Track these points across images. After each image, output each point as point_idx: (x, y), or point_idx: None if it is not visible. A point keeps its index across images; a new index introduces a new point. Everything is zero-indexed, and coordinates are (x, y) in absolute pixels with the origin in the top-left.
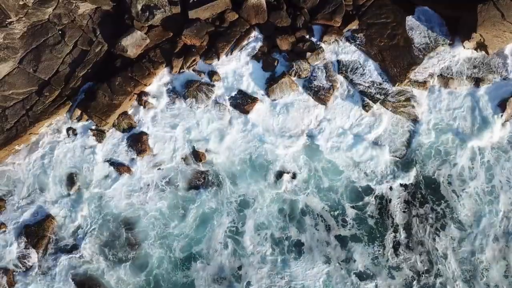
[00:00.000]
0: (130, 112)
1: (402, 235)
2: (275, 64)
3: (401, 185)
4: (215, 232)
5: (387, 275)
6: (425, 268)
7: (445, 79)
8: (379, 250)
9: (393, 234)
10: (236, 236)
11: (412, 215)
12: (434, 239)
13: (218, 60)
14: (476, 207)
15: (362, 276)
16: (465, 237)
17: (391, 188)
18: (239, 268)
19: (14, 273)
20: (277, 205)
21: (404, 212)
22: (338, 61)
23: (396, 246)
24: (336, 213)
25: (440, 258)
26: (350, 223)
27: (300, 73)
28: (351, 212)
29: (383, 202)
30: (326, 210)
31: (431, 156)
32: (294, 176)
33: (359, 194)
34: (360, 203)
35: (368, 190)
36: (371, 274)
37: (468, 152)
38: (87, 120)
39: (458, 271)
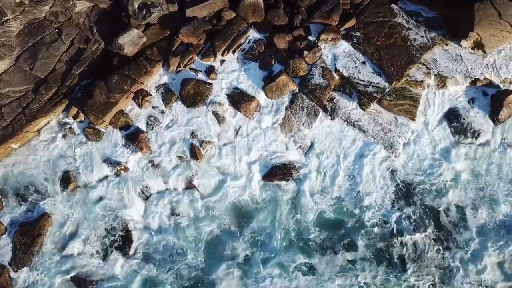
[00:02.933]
0: (126, 110)
1: (409, 251)
2: (272, 62)
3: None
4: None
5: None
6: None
7: (442, 78)
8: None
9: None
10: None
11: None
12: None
13: (215, 58)
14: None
15: None
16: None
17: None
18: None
19: (10, 271)
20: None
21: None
22: (335, 60)
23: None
24: (346, 241)
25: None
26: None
27: (297, 71)
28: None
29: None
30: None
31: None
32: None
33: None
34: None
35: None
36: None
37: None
38: (83, 119)
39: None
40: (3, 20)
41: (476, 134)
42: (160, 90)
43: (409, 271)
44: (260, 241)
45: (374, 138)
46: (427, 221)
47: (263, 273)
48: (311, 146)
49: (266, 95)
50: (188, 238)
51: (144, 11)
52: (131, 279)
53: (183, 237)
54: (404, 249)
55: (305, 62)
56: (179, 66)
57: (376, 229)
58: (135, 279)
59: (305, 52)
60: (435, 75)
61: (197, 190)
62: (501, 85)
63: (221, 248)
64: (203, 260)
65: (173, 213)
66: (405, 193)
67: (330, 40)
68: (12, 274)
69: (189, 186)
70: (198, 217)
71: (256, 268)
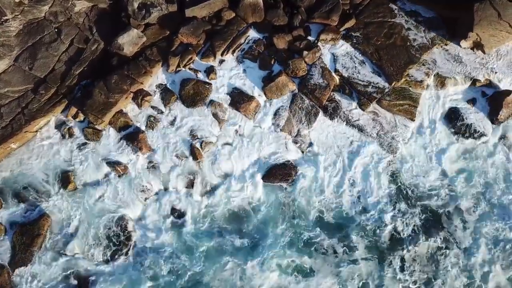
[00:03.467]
0: (126, 110)
1: (409, 252)
2: (272, 63)
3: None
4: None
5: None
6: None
7: (441, 78)
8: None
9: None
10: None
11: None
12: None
13: (215, 58)
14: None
15: None
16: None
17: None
18: None
19: (9, 271)
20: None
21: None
22: (335, 60)
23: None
24: (346, 242)
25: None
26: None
27: (297, 72)
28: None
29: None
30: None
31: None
32: None
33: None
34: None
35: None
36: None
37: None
38: (83, 119)
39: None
40: (2, 20)
41: (475, 135)
42: (159, 90)
43: (408, 272)
44: (259, 241)
45: (374, 139)
46: (426, 222)
47: (262, 274)
48: (311, 146)
49: (265, 95)
50: (187, 239)
51: (144, 11)
52: (130, 279)
53: (182, 238)
54: (404, 250)
55: (305, 62)
56: (178, 66)
57: (375, 230)
58: (134, 279)
59: (305, 52)
60: (434, 75)
61: (197, 190)
62: (500, 86)
63: (221, 249)
64: (203, 261)
65: (172, 213)
66: (405, 193)
67: (329, 40)
68: (12, 274)
69: (189, 186)
70: (197, 217)
71: (256, 269)
